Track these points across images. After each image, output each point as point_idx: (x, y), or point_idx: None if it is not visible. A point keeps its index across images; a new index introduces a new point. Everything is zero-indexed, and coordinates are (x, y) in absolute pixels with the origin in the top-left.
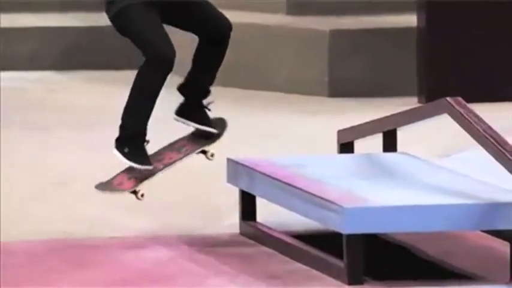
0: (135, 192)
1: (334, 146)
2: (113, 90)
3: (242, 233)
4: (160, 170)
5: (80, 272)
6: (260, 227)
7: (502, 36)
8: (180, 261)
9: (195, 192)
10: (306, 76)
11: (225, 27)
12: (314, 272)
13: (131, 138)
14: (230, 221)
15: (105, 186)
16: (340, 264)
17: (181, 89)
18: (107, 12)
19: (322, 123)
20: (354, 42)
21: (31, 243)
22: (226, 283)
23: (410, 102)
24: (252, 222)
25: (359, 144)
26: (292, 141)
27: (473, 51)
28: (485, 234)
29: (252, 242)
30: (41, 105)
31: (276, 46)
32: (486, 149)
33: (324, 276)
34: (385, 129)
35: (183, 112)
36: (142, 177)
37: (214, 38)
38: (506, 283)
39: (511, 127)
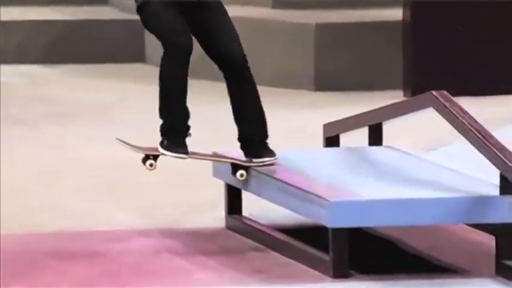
0: (147, 158)
1: (320, 140)
2: (100, 84)
3: (228, 227)
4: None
5: (65, 264)
6: (246, 220)
7: (487, 31)
8: (165, 255)
9: (181, 186)
10: (292, 70)
11: (235, 55)
12: (300, 265)
13: (169, 131)
14: (216, 215)
15: (126, 142)
16: (326, 257)
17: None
18: (136, 7)
19: (308, 117)
20: (340, 36)
21: (18, 237)
22: (212, 278)
23: (395, 96)
24: (237, 216)
25: (345, 138)
26: (278, 135)
27: (458, 45)
28: (470, 228)
29: (237, 235)
30: (28, 99)
31: (262, 40)
32: (471, 142)
33: (310, 269)
34: (371, 123)
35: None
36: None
37: (226, 64)
38: (492, 276)
39: (496, 120)
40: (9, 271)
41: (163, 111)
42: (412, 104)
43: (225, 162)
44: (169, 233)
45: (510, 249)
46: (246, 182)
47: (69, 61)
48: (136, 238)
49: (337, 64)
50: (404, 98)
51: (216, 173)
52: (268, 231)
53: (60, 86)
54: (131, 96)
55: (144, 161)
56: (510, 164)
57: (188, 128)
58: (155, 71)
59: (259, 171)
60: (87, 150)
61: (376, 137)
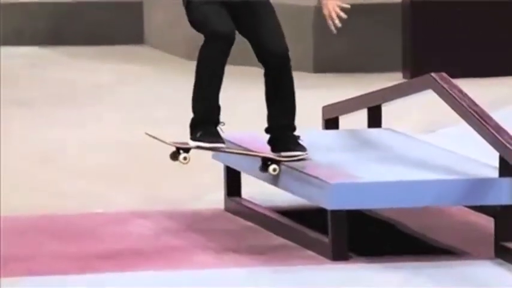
0: (178, 153)
1: (319, 122)
2: (99, 66)
3: (227, 209)
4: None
5: (64, 246)
6: (245, 202)
7: (486, 12)
8: (164, 236)
9: (180, 169)
10: (291, 52)
11: (272, 53)
12: (299, 247)
13: (202, 122)
14: (215, 197)
15: (156, 137)
16: (325, 239)
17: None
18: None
19: (307, 99)
20: (340, 18)
21: (16, 218)
22: (211, 259)
23: (395, 78)
24: (236, 198)
25: (344, 120)
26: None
27: (457, 27)
28: (469, 210)
29: (237, 218)
30: (26, 80)
31: None
32: (470, 124)
33: (309, 252)
34: (370, 105)
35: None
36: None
37: (263, 61)
38: (491, 258)
39: (495, 102)
40: (7, 252)
41: (197, 102)
42: (411, 86)
43: (256, 156)
44: (168, 215)
45: (509, 231)
46: (245, 165)
47: (68, 43)
48: (136, 220)
49: (336, 46)
50: (403, 80)
51: (216, 156)
52: (268, 213)
53: (59, 68)
54: (130, 78)
55: (175, 155)
56: (509, 146)
57: (219, 122)
58: (153, 53)
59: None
60: (87, 131)
61: (375, 119)
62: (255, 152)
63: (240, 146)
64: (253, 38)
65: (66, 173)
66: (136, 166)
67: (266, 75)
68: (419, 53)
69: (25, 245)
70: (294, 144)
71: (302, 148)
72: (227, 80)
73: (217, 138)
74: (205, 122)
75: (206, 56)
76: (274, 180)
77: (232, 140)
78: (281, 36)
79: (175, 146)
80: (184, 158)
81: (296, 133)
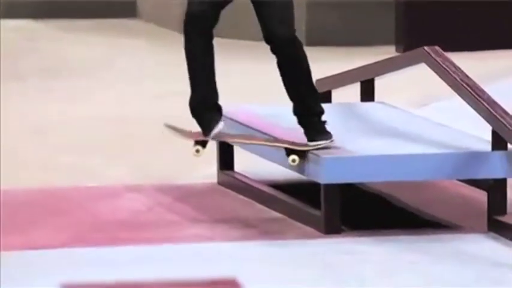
0: (197, 143)
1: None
2: (92, 39)
3: (220, 183)
4: (232, 141)
5: (57, 220)
6: (238, 176)
7: None
8: (157, 210)
9: (173, 142)
10: None
11: (276, 35)
12: (291, 221)
13: (194, 108)
14: (208, 171)
15: (175, 127)
16: (318, 213)
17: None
18: None
19: None
20: None
21: (8, 192)
22: (203, 232)
23: (388, 52)
24: (229, 172)
25: (336, 94)
26: (269, 91)
27: (450, 0)
28: (462, 184)
29: (229, 191)
30: (19, 53)
31: None
32: (463, 98)
33: (302, 225)
34: (363, 79)
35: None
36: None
37: (269, 42)
38: (484, 232)
39: (488, 75)
40: (1, 227)
41: (191, 88)
42: (404, 59)
43: (279, 146)
44: (161, 189)
45: (502, 204)
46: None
47: (60, 16)
48: (128, 194)
49: (329, 20)
50: (396, 54)
51: None
52: (260, 187)
53: (52, 41)
54: (123, 52)
55: (197, 145)
56: (502, 120)
57: (217, 107)
58: (146, 26)
59: (250, 127)
60: (79, 105)
61: (368, 93)
62: (276, 141)
63: (250, 128)
64: (258, 17)
65: (59, 147)
66: (130, 140)
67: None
68: (412, 26)
69: (18, 219)
70: (317, 132)
71: (327, 136)
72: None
73: (213, 123)
74: (197, 107)
75: (185, 41)
76: (267, 154)
77: (239, 120)
78: (285, 18)
79: (192, 139)
80: (197, 151)
81: (284, 105)
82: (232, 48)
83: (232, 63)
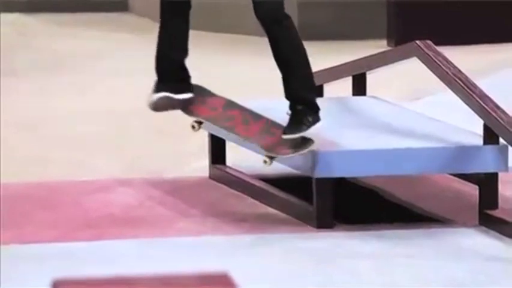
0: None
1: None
2: (83, 33)
3: (211, 177)
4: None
5: (48, 214)
6: (229, 170)
7: None
8: (149, 204)
9: (164, 136)
10: None
11: (260, 15)
12: (283, 215)
13: (159, 79)
14: (199, 165)
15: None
16: (310, 208)
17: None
18: None
19: None
20: None
21: (1, 186)
22: (195, 226)
23: (379, 46)
24: (221, 166)
25: (328, 88)
26: (262, 85)
27: None
28: (454, 178)
29: (221, 185)
30: (12, 47)
31: None
32: (455, 92)
33: (294, 219)
34: (355, 73)
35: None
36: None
37: (259, 19)
38: (475, 226)
39: (480, 70)
40: None
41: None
42: (396, 53)
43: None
44: (152, 183)
45: (493, 199)
46: (229, 133)
47: (53, 10)
48: (119, 188)
49: (321, 13)
50: (388, 48)
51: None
52: (252, 181)
53: (44, 35)
54: (115, 46)
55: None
56: (494, 114)
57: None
58: (138, 20)
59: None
60: (71, 99)
61: (360, 87)
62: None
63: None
64: None
65: (51, 141)
66: (121, 134)
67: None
68: (404, 20)
69: (9, 213)
70: (292, 123)
71: (299, 129)
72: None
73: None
74: (162, 77)
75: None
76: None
77: None
78: None
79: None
80: (192, 127)
81: (279, 100)
82: (236, 43)
83: (238, 57)
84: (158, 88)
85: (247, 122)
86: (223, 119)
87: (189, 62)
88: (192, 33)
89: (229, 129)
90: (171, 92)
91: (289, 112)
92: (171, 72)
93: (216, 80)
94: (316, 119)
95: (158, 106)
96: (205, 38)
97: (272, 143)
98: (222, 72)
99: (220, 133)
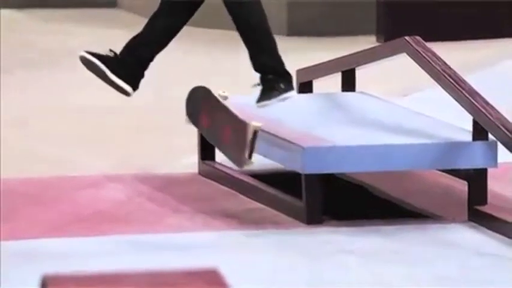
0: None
1: (293, 85)
2: (72, 29)
3: (201, 173)
4: None
5: (37, 210)
6: (219, 166)
7: None
8: (138, 200)
9: (154, 132)
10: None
11: None
12: (273, 211)
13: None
14: (189, 161)
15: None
16: (299, 203)
17: None
18: None
19: None
20: None
21: None
22: (184, 222)
23: (369, 42)
24: (210, 162)
25: (318, 84)
26: (250, 81)
27: None
28: (443, 174)
29: (210, 181)
30: (1, 44)
31: None
32: (444, 88)
33: (283, 215)
34: (344, 69)
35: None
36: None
37: None
38: (464, 222)
39: (469, 66)
40: None
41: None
42: (385, 49)
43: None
44: (141, 179)
45: (482, 194)
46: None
47: (40, 6)
48: (109, 184)
49: (310, 9)
50: (377, 44)
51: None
52: (241, 177)
53: (33, 31)
54: (103, 42)
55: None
56: (483, 110)
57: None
58: (127, 16)
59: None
60: (60, 95)
61: (349, 83)
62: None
63: None
64: None
65: (40, 137)
66: (110, 130)
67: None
68: (394, 16)
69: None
70: (264, 91)
71: (270, 95)
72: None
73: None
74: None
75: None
76: None
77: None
78: None
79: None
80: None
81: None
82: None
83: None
84: (102, 58)
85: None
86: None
87: (188, 59)
88: (186, 30)
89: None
90: (108, 67)
91: (258, 83)
92: (135, 62)
93: (221, 76)
94: (289, 87)
95: (84, 62)
96: (203, 34)
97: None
98: (223, 68)
99: None
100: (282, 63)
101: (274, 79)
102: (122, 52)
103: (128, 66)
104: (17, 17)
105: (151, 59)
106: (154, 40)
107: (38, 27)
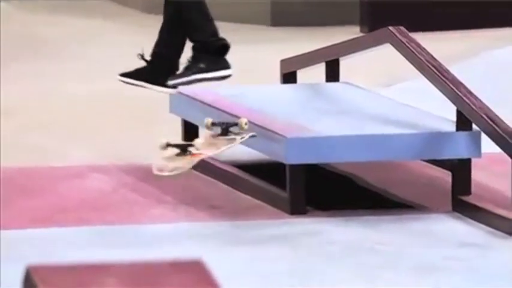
0: None
1: (277, 76)
2: (57, 20)
3: None
4: None
5: (21, 200)
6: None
7: None
8: (121, 190)
9: (137, 122)
10: (248, 4)
11: None
12: (257, 201)
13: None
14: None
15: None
16: (283, 194)
17: None
18: None
19: (265, 53)
20: None
21: None
22: (168, 213)
23: (352, 32)
24: None
25: (301, 74)
26: (234, 71)
27: None
28: (427, 164)
29: (194, 171)
30: None
31: None
32: (428, 78)
33: (267, 205)
34: (328, 59)
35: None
36: None
37: None
38: (448, 212)
39: (453, 56)
40: None
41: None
42: (369, 39)
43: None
44: (125, 169)
45: (466, 185)
46: (202, 118)
47: None
48: (93, 174)
49: (294, 0)
50: (361, 34)
51: (173, 109)
52: (225, 167)
53: (17, 22)
54: (87, 32)
55: None
56: (467, 100)
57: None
58: (109, 6)
59: (215, 108)
60: (45, 85)
61: (333, 73)
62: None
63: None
64: None
65: (24, 127)
66: (94, 120)
67: None
68: (377, 6)
69: None
70: (183, 71)
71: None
72: None
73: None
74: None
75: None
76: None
77: (190, 94)
78: None
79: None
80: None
81: (249, 85)
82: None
83: None
84: (138, 72)
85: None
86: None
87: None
88: None
89: None
90: (147, 80)
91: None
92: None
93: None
94: (214, 67)
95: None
96: None
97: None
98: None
99: (193, 119)
100: (210, 40)
101: (196, 57)
102: (152, 56)
103: (163, 70)
104: (5, 9)
105: (178, 57)
106: (175, 41)
107: (23, 18)
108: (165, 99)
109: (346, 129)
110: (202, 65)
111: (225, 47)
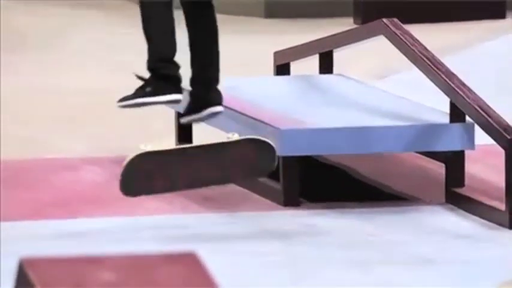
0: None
1: (271, 68)
2: (42, 10)
3: None
4: None
5: (14, 193)
6: None
7: None
8: (115, 183)
9: (131, 115)
10: None
11: None
12: (250, 193)
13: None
14: (166, 144)
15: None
16: (276, 186)
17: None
18: None
19: (258, 45)
20: None
21: None
22: (162, 205)
23: (346, 24)
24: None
25: (295, 66)
26: (228, 63)
27: None
28: (420, 156)
29: None
30: None
31: None
32: (421, 70)
33: (260, 197)
34: (322, 51)
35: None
36: None
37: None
38: (442, 204)
39: (446, 48)
40: None
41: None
42: (362, 31)
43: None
44: (119, 162)
45: (460, 177)
46: None
47: None
48: (87, 166)
49: None
50: (354, 26)
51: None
52: None
53: (7, 13)
54: (79, 23)
55: None
56: (460, 92)
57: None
58: None
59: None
60: (37, 77)
61: (326, 65)
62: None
63: None
64: None
65: (16, 119)
66: (87, 112)
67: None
68: None
69: None
70: (132, 93)
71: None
72: None
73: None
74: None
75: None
76: (225, 127)
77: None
78: None
79: None
80: None
81: (243, 77)
82: None
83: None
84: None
85: None
86: None
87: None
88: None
89: None
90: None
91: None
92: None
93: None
94: (159, 92)
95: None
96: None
97: None
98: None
99: None
100: (157, 65)
101: (147, 80)
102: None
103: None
104: None
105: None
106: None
107: (13, 9)
108: None
109: (339, 121)
110: (148, 89)
111: (168, 77)
